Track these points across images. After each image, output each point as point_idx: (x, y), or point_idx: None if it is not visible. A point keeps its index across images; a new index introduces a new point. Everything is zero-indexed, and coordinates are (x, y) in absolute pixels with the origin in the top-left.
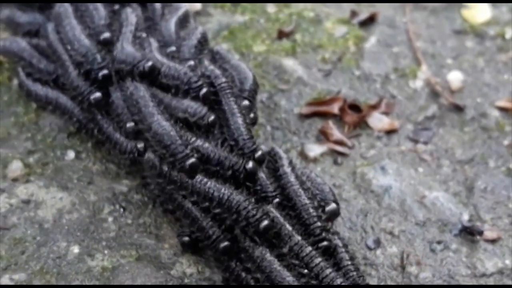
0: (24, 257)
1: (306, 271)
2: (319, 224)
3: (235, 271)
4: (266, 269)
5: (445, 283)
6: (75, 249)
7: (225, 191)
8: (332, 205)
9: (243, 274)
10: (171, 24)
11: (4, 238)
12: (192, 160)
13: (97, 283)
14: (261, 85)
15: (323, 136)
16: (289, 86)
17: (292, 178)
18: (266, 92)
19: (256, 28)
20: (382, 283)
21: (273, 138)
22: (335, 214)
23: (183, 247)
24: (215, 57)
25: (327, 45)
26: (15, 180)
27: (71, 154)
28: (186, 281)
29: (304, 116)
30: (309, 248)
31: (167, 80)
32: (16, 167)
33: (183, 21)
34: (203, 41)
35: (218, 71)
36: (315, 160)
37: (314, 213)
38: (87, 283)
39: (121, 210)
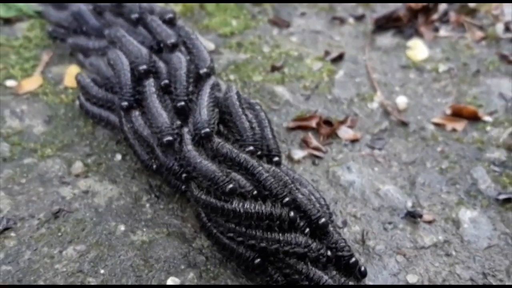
0: (84, 233)
1: None
2: (349, 249)
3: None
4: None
5: (395, 254)
6: (122, 227)
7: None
8: (323, 220)
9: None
10: (203, 108)
11: (69, 219)
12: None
13: (138, 253)
14: None
15: (304, 143)
16: (279, 106)
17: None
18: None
19: (255, 63)
20: None
21: None
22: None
23: None
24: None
25: (307, 76)
26: (77, 176)
27: (118, 157)
28: (204, 251)
29: (290, 129)
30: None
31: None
32: (78, 166)
33: (213, 91)
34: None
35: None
36: (298, 162)
37: (346, 245)
38: (130, 253)
39: (156, 198)
